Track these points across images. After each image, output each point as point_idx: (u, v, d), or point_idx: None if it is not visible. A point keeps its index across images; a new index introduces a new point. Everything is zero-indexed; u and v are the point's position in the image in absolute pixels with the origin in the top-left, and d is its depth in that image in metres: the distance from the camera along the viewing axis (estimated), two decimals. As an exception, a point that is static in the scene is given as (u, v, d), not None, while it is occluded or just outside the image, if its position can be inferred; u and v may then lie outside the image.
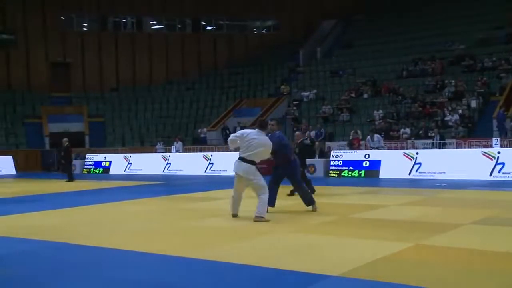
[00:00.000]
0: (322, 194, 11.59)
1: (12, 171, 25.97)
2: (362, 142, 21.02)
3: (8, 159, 26.29)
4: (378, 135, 19.93)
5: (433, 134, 20.97)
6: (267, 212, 8.41)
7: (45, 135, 30.36)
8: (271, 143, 8.44)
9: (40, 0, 33.92)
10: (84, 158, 26.38)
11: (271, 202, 8.86)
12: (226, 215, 9.19)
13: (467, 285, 4.75)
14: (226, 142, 27.23)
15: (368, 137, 20.00)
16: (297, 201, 9.93)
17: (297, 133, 13.52)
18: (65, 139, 20.08)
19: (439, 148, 18.87)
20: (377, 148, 19.05)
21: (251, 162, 8.25)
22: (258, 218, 8.18)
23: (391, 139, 21.41)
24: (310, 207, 9.08)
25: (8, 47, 33.05)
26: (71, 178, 19.25)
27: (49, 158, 27.91)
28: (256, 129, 8.49)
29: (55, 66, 34.54)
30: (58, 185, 17.55)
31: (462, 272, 5.10)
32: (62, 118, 31.28)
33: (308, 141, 22.42)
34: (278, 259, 5.71)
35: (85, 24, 36.23)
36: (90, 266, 5.69)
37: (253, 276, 5.14)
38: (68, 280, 5.19)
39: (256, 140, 8.27)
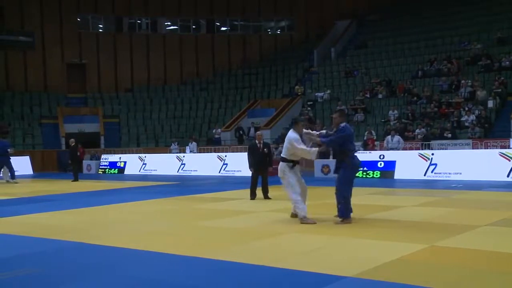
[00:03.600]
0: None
1: (29, 171, 26.30)
2: (376, 143, 20.89)
3: (25, 160, 26.62)
4: (399, 136, 19.79)
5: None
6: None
7: (61, 135, 30.66)
8: (289, 139, 8.24)
9: (57, 2, 34.29)
10: (99, 158, 26.61)
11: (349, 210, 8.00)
12: (241, 215, 9.21)
13: (483, 287, 4.70)
14: (239, 143, 27.37)
15: (389, 136, 19.83)
16: (312, 202, 9.88)
17: (258, 133, 12.94)
18: (71, 140, 20.50)
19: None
20: (393, 148, 18.91)
21: (283, 160, 8.40)
22: (302, 221, 8.02)
23: (406, 139, 21.24)
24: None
25: (25, 49, 33.44)
26: (75, 178, 19.55)
27: (65, 159, 28.17)
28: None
29: (71, 67, 34.89)
30: (74, 185, 17.74)
31: (479, 274, 5.04)
32: (78, 119, 31.60)
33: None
34: (293, 259, 5.70)
35: (101, 25, 36.54)
36: (106, 266, 5.74)
37: (268, 277, 5.13)
38: (85, 280, 5.24)
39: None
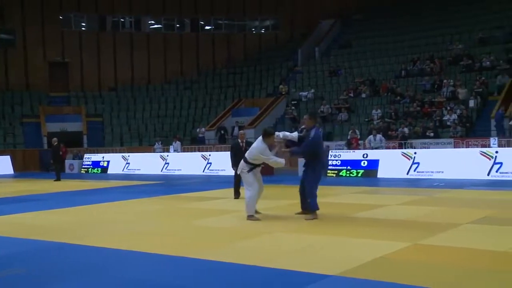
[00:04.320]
0: (320, 194, 11.59)
1: (10, 171, 25.96)
2: (360, 142, 21.04)
3: (6, 159, 26.28)
4: (381, 135, 19.96)
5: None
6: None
7: (43, 134, 30.33)
8: (258, 149, 8.45)
9: (39, 0, 33.87)
10: (82, 157, 26.38)
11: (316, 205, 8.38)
12: (225, 215, 9.22)
13: (465, 284, 4.78)
14: (220, 142, 27.31)
15: (371, 136, 19.99)
16: (295, 201, 9.94)
17: (240, 132, 13.18)
18: (54, 139, 20.38)
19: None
20: (376, 147, 19.07)
21: (245, 160, 8.66)
22: (249, 218, 8.48)
23: (390, 138, 21.46)
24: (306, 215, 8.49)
25: (6, 46, 33.00)
26: (58, 177, 19.40)
27: (47, 158, 27.90)
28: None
29: (53, 65, 34.51)
30: (57, 185, 17.58)
31: (461, 272, 5.12)
32: (60, 118, 31.27)
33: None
34: (277, 258, 5.73)
35: (84, 24, 36.20)
36: (91, 266, 5.71)
37: (253, 276, 5.15)
38: (70, 280, 5.21)
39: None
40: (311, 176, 8.38)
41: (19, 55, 33.42)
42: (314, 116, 8.59)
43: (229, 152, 12.99)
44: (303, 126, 8.58)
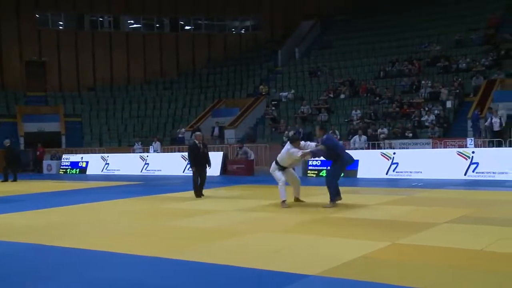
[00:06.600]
0: (301, 194, 11.63)
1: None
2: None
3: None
4: (365, 136, 20.14)
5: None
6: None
7: (20, 135, 29.83)
8: (288, 151, 10.01)
9: (14, -3, 33.36)
10: (60, 158, 26.04)
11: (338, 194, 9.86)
12: (205, 215, 9.20)
13: (444, 282, 4.84)
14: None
15: (356, 137, 20.12)
16: (276, 201, 9.99)
17: (197, 133, 13.71)
18: (6, 140, 20.43)
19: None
20: (361, 148, 19.26)
21: (276, 162, 10.15)
22: (282, 205, 9.78)
23: (369, 139, 21.61)
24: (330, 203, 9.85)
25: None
26: (5, 179, 19.43)
27: (24, 159, 27.42)
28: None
29: (30, 64, 33.96)
30: (32, 186, 17.30)
31: (439, 270, 5.19)
32: (37, 118, 30.75)
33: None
34: (257, 259, 5.73)
35: (61, 23, 35.71)
36: (66, 267, 5.63)
37: (232, 277, 5.15)
38: (44, 280, 5.14)
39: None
40: (331, 172, 10.08)
41: (-7, 54, 32.82)
42: (324, 128, 10.49)
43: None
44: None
